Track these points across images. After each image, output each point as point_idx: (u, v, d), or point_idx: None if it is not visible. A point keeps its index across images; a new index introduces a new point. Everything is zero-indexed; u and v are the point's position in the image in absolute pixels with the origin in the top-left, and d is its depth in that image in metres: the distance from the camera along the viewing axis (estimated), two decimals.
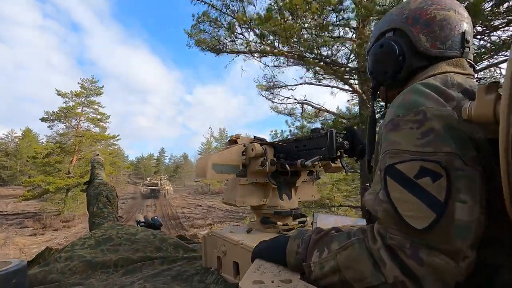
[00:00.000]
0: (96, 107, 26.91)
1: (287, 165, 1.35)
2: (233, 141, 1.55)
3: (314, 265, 0.67)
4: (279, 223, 1.51)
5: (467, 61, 0.79)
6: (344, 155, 1.31)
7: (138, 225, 3.43)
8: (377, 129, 0.84)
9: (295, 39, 6.02)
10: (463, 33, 0.77)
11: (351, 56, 7.01)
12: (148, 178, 36.19)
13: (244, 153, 1.48)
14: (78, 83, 26.30)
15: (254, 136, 1.56)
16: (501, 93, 0.47)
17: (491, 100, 0.49)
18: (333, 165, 1.50)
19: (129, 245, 2.20)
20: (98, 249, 2.09)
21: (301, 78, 8.69)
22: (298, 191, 1.66)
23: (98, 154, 5.07)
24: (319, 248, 0.69)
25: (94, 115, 26.85)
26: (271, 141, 1.51)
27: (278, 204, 1.53)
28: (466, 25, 0.78)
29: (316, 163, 1.43)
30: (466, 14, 0.79)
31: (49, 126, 25.36)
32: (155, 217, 3.37)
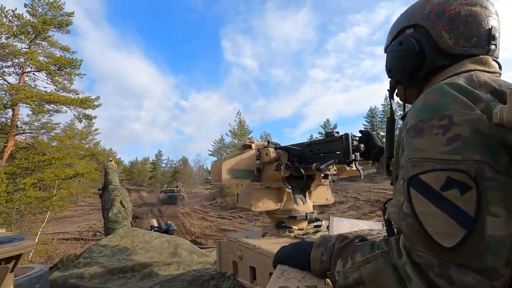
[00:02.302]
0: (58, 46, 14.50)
1: (302, 169, 1.35)
2: (247, 146, 1.56)
3: (338, 275, 0.66)
4: (294, 227, 1.51)
5: (493, 59, 0.74)
6: (360, 158, 1.30)
7: (152, 230, 3.48)
8: (397, 131, 0.82)
9: None
10: (490, 30, 0.72)
11: None
12: (165, 186, 38.68)
13: (258, 157, 1.48)
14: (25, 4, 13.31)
15: (268, 141, 1.57)
16: None
17: None
18: (347, 168, 1.49)
19: (144, 254, 2.24)
20: (114, 258, 2.14)
21: None
22: (312, 195, 1.66)
23: (111, 160, 5.18)
24: (343, 257, 0.68)
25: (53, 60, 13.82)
26: (285, 145, 1.51)
27: (293, 208, 1.52)
28: (493, 21, 0.73)
29: (331, 166, 1.43)
30: (494, 9, 0.75)
31: None
32: (169, 222, 3.42)
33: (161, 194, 32.24)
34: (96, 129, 37.87)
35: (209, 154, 33.86)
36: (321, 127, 37.67)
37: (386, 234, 0.84)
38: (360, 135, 1.34)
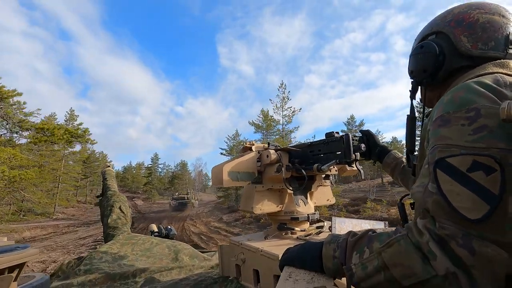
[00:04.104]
0: None
1: (303, 170, 1.35)
2: (248, 148, 1.56)
3: (355, 267, 0.66)
4: (296, 228, 1.50)
5: None
6: (360, 158, 1.30)
7: (152, 235, 3.45)
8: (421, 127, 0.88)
9: None
10: (508, 35, 0.79)
11: None
12: (177, 193, 38.70)
13: (259, 160, 1.48)
14: None
15: (268, 143, 1.57)
16: None
17: None
18: (348, 168, 1.49)
19: (145, 260, 2.22)
20: (115, 263, 2.12)
21: None
22: (313, 196, 1.66)
23: (109, 166, 5.15)
24: (359, 250, 0.68)
25: None
26: (285, 146, 1.51)
27: (295, 210, 1.52)
28: (511, 28, 0.79)
29: (332, 166, 1.43)
30: None
31: None
32: (169, 227, 3.39)
33: (173, 201, 33.12)
34: (81, 123, 35.52)
35: (221, 153, 30.17)
36: (344, 124, 36.33)
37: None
38: (361, 135, 1.35)
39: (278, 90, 26.55)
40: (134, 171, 64.48)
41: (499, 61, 0.77)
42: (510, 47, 0.79)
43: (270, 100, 28.02)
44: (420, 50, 0.88)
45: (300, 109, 26.54)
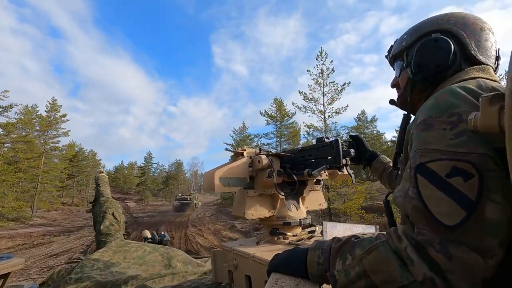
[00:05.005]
0: None
1: (294, 175, 1.36)
2: (239, 154, 1.57)
3: (338, 274, 0.66)
4: (288, 233, 1.51)
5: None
6: (350, 162, 1.32)
7: (146, 241, 3.42)
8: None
9: None
10: (498, 51, 0.83)
11: None
12: (180, 194, 38.71)
13: (250, 165, 1.49)
14: None
15: (260, 148, 1.58)
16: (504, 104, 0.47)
17: (494, 112, 0.49)
18: (339, 173, 1.50)
19: (137, 267, 2.20)
20: (107, 271, 2.09)
21: None
22: (305, 201, 1.67)
23: (102, 172, 5.10)
24: (341, 256, 0.69)
25: None
26: (276, 152, 1.52)
27: (287, 215, 1.53)
28: (496, 45, 0.84)
29: (323, 171, 1.45)
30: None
31: None
32: (163, 233, 3.36)
33: (176, 202, 33.39)
34: (65, 115, 30.30)
35: (226, 149, 26.21)
36: (355, 119, 35.03)
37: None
38: (351, 140, 1.36)
39: (317, 59, 19.25)
40: (126, 171, 61.06)
41: (481, 66, 0.80)
42: (498, 62, 0.83)
43: (307, 71, 19.60)
44: (434, 43, 0.82)
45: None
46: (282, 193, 1.48)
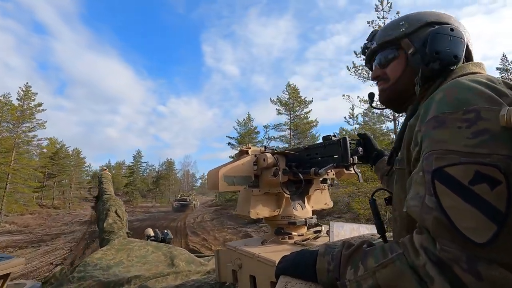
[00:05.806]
0: None
1: (300, 174, 1.33)
2: (244, 152, 1.54)
3: (349, 283, 0.63)
4: (294, 233, 1.48)
5: None
6: (358, 161, 1.29)
7: (148, 239, 3.41)
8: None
9: None
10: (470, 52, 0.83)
11: None
12: (179, 195, 38.79)
13: (255, 163, 1.46)
14: None
15: (265, 146, 1.55)
16: None
17: None
18: (346, 172, 1.47)
19: (140, 266, 2.19)
20: (110, 271, 2.08)
21: None
22: (311, 200, 1.64)
23: (106, 169, 5.12)
24: (353, 264, 0.65)
25: None
26: (282, 150, 1.50)
27: (292, 214, 1.50)
28: None
29: (330, 170, 1.42)
30: None
31: None
32: (166, 231, 3.35)
33: (175, 202, 33.84)
34: (40, 104, 25.59)
35: (228, 143, 23.93)
36: (360, 114, 32.33)
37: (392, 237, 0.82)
38: (358, 138, 1.33)
39: (377, 10, 14.73)
40: (113, 171, 55.43)
41: (476, 62, 0.77)
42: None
43: (368, 22, 14.94)
44: (450, 32, 0.76)
45: None
46: (288, 192, 1.45)
